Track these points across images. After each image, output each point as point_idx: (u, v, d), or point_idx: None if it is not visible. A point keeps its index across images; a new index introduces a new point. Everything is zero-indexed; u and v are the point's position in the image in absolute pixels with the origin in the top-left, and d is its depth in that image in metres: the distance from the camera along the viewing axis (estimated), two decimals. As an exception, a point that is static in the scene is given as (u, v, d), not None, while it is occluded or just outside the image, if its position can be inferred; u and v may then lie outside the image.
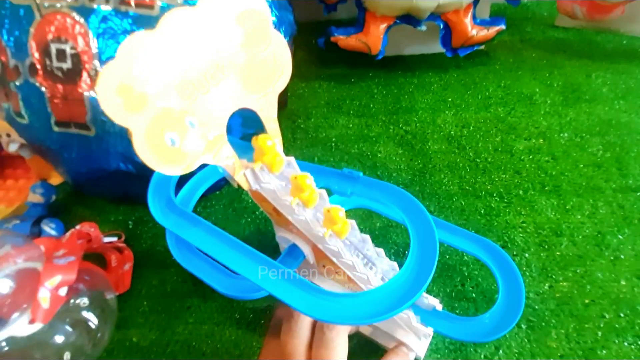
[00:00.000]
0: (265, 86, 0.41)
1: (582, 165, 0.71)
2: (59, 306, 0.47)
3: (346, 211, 0.46)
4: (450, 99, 0.87)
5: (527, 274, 0.58)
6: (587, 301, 0.55)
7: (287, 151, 0.44)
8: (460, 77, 0.93)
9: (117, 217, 0.72)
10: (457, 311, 0.56)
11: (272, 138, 0.41)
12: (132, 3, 0.53)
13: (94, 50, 0.52)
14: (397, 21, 0.87)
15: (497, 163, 0.73)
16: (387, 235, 0.64)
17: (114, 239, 0.64)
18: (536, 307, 0.55)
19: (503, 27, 0.89)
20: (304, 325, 0.44)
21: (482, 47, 0.93)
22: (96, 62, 0.53)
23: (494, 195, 0.68)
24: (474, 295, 0.57)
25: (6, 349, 0.45)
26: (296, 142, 0.82)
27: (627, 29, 0.97)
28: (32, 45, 0.53)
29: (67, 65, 0.53)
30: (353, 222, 0.45)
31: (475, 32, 0.87)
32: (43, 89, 0.54)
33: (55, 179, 0.75)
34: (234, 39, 0.37)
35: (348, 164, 0.75)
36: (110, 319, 0.53)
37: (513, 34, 1.03)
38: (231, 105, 0.39)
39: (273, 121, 0.42)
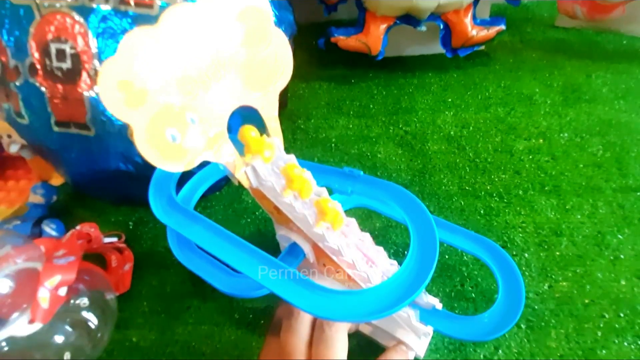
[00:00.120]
0: (266, 84, 0.41)
1: (582, 165, 0.71)
2: (59, 306, 0.47)
3: (346, 210, 0.47)
4: (450, 100, 0.87)
5: (527, 274, 0.58)
6: (586, 301, 0.55)
7: (288, 152, 0.44)
8: (460, 78, 0.93)
9: (117, 218, 0.72)
10: (456, 311, 0.56)
11: (255, 129, 0.41)
12: (132, 2, 0.53)
13: (94, 50, 0.52)
14: (397, 21, 0.87)
15: (497, 163, 0.73)
16: (387, 235, 0.64)
17: (114, 239, 0.64)
18: (536, 307, 0.55)
19: (503, 27, 0.89)
20: (304, 323, 0.44)
21: (482, 47, 0.93)
22: (96, 62, 0.53)
23: (494, 195, 0.68)
24: (473, 295, 0.57)
25: (6, 349, 0.45)
26: (296, 142, 0.82)
27: (627, 29, 0.97)
28: (32, 45, 0.53)
29: (66, 65, 0.53)
30: (353, 220, 0.45)
31: (475, 33, 0.87)
32: (43, 89, 0.54)
33: (56, 180, 0.75)
34: (235, 36, 0.38)
35: (348, 165, 0.75)
36: (110, 319, 0.53)
37: (513, 34, 1.04)
38: (232, 103, 0.39)
39: (274, 120, 0.42)
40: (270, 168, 0.43)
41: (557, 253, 0.60)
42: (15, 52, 0.54)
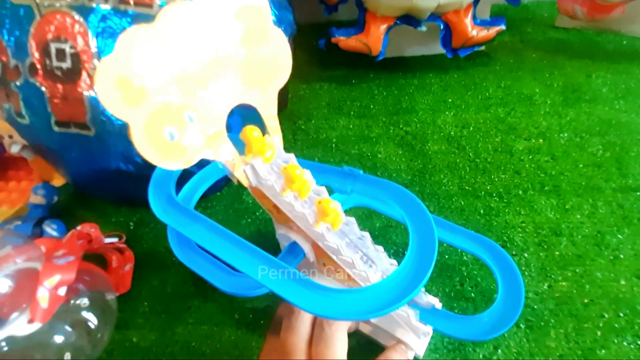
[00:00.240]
0: (266, 83, 0.41)
1: (581, 165, 0.71)
2: (58, 306, 0.47)
3: (346, 210, 0.47)
4: (450, 100, 0.87)
5: (527, 273, 0.58)
6: (586, 301, 0.55)
7: (288, 152, 0.44)
8: (461, 78, 0.93)
9: (118, 219, 0.72)
10: (456, 311, 0.56)
11: (257, 129, 0.41)
12: (131, 2, 0.53)
13: (94, 50, 0.53)
14: (398, 22, 0.87)
15: (497, 163, 0.73)
16: (387, 235, 0.64)
17: (115, 239, 0.64)
18: (535, 306, 0.55)
19: (503, 27, 0.89)
20: (303, 321, 0.44)
21: (483, 47, 0.94)
22: (95, 62, 0.53)
23: (494, 195, 0.68)
24: (473, 295, 0.57)
25: (5, 348, 0.45)
26: (297, 143, 0.82)
27: (627, 29, 0.97)
28: (32, 44, 0.53)
29: (66, 64, 0.53)
30: (352, 219, 0.45)
31: (476, 33, 0.87)
32: (43, 88, 0.54)
33: (57, 181, 0.75)
34: (234, 34, 0.38)
35: (348, 165, 0.74)
36: (110, 319, 0.53)
37: (513, 34, 1.04)
38: (231, 101, 0.39)
39: (273, 118, 0.42)
40: (269, 167, 0.43)
41: (557, 253, 0.60)
42: (16, 52, 0.54)
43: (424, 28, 0.87)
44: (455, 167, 0.73)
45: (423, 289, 0.50)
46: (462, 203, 0.67)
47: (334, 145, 0.80)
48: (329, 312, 0.36)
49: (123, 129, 0.32)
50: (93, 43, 0.52)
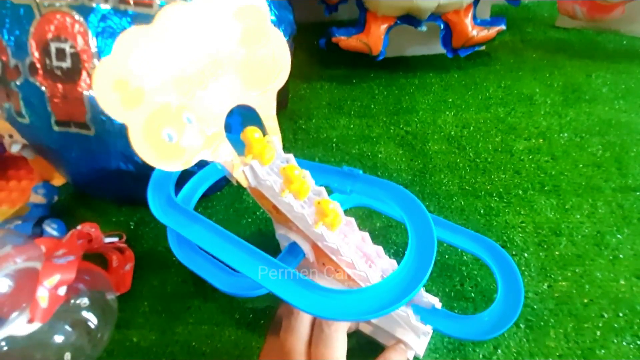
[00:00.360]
0: (264, 83, 0.41)
1: (581, 165, 0.71)
2: (58, 305, 0.47)
3: (346, 210, 0.47)
4: (450, 100, 0.87)
5: (526, 273, 0.58)
6: (586, 301, 0.55)
7: (288, 151, 0.44)
8: (461, 78, 0.93)
9: (118, 218, 0.72)
10: (456, 310, 0.56)
11: (258, 130, 0.41)
12: (131, 2, 0.53)
13: (94, 49, 0.53)
14: (398, 22, 0.87)
15: (497, 163, 0.73)
16: (387, 235, 0.64)
17: (115, 239, 0.64)
18: (535, 306, 0.55)
19: (503, 27, 0.89)
20: (303, 322, 0.44)
21: (483, 47, 0.93)
22: (95, 61, 0.53)
23: (494, 195, 0.68)
24: (473, 295, 0.57)
25: (5, 348, 0.45)
26: (297, 142, 0.82)
27: (627, 29, 0.97)
28: (32, 44, 0.53)
29: (66, 64, 0.53)
30: (352, 219, 0.46)
31: (476, 33, 0.87)
32: (43, 88, 0.54)
33: (58, 180, 0.75)
34: (232, 35, 0.38)
35: (349, 165, 0.74)
36: (110, 319, 0.54)
37: (514, 34, 1.03)
38: (229, 102, 0.39)
39: (272, 119, 0.42)
40: (269, 167, 0.43)
41: (557, 253, 0.60)
42: (16, 52, 0.54)
43: (424, 28, 0.87)
44: (455, 167, 0.73)
45: (423, 289, 0.51)
46: (462, 203, 0.67)
47: (334, 144, 0.80)
48: (328, 313, 0.37)
49: (123, 128, 0.32)
50: (93, 43, 0.53)
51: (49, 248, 0.53)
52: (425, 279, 0.38)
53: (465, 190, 0.69)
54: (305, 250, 0.47)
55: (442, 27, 0.87)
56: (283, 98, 0.44)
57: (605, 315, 0.53)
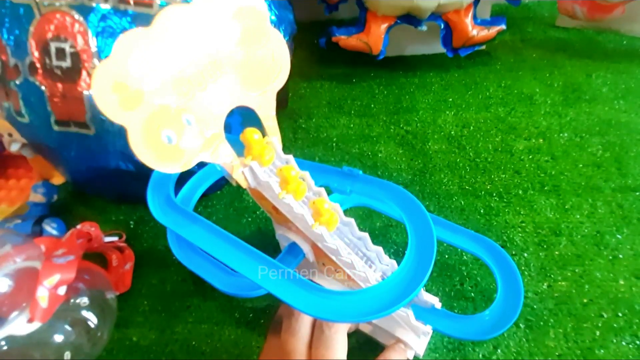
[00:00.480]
0: (264, 84, 0.41)
1: (581, 165, 0.71)
2: (58, 305, 0.47)
3: (345, 210, 0.47)
4: (451, 99, 0.87)
5: (526, 273, 0.58)
6: (585, 301, 0.55)
7: (288, 151, 0.44)
8: (461, 77, 0.93)
9: (118, 217, 0.72)
10: (455, 310, 0.56)
11: (258, 131, 0.41)
12: (131, 1, 0.53)
13: (93, 49, 0.53)
14: (398, 21, 0.87)
15: (497, 163, 0.73)
16: (387, 235, 0.64)
17: (115, 238, 0.64)
18: (535, 306, 0.55)
19: (504, 27, 0.89)
20: (303, 323, 0.44)
21: (483, 47, 0.93)
22: (95, 61, 0.53)
23: (494, 195, 0.68)
24: (472, 294, 0.57)
25: (5, 348, 0.45)
26: (297, 141, 0.82)
27: (627, 28, 0.97)
28: (32, 44, 0.53)
29: (66, 64, 0.53)
30: (352, 220, 0.46)
31: (476, 32, 0.87)
32: (43, 87, 0.54)
33: (57, 179, 0.75)
34: (231, 35, 0.37)
35: (349, 164, 0.75)
36: (110, 318, 0.53)
37: (514, 34, 1.03)
38: (229, 103, 0.39)
39: (271, 119, 0.42)
40: (268, 168, 0.43)
41: (556, 253, 0.60)
42: (15, 51, 0.54)
43: (424, 27, 0.87)
44: (455, 167, 0.73)
45: (423, 289, 0.51)
46: (462, 202, 0.67)
47: (334, 144, 0.80)
48: (328, 314, 0.37)
49: (122, 128, 0.31)
50: (93, 42, 0.52)
51: (49, 247, 0.53)
52: (425, 280, 0.38)
53: (465, 190, 0.69)
54: (305, 251, 0.47)
55: (442, 26, 0.87)
56: (283, 97, 0.44)
57: (605, 315, 0.53)
